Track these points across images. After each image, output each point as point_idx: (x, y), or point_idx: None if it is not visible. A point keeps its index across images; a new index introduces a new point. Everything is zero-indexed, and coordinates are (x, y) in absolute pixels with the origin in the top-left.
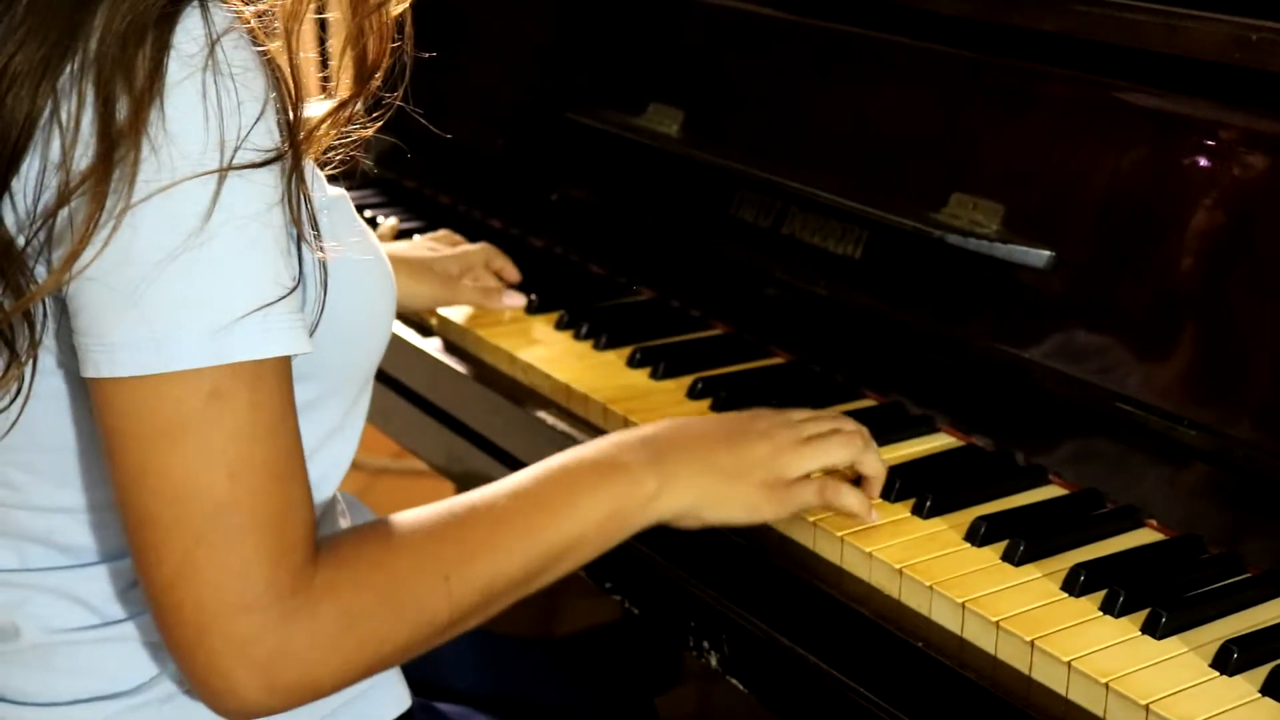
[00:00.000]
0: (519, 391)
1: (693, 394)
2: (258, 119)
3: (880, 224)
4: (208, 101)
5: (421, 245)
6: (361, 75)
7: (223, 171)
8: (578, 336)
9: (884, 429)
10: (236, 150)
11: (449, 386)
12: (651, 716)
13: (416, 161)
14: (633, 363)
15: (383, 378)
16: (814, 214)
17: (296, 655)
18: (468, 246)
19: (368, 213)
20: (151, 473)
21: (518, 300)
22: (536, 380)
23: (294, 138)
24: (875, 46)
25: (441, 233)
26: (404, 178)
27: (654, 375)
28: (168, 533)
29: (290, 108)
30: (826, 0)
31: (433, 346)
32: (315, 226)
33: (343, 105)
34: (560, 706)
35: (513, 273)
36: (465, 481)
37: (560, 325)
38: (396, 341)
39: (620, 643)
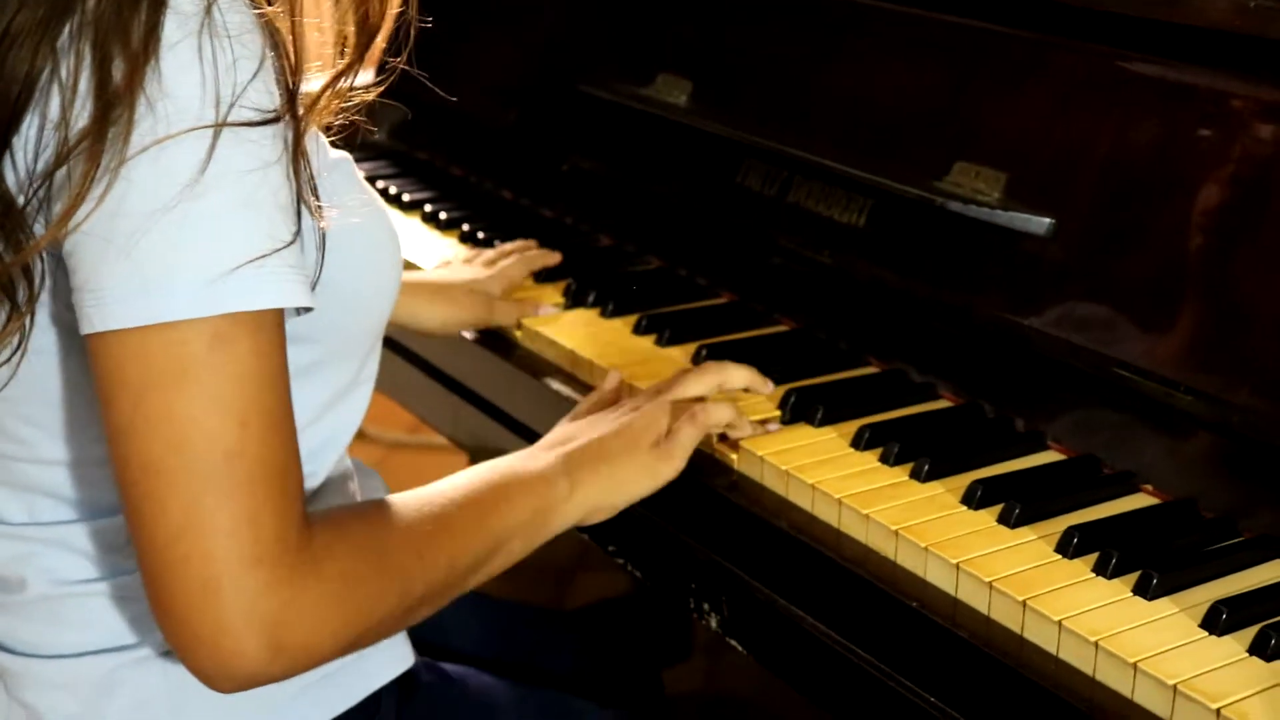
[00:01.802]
0: (527, 359)
1: (697, 361)
2: (254, 77)
3: (884, 192)
4: (203, 59)
5: (460, 267)
6: (363, 41)
7: (218, 127)
8: (585, 305)
9: (886, 396)
10: (232, 107)
11: (458, 354)
12: (657, 688)
13: (428, 133)
14: (638, 330)
15: (394, 346)
16: (819, 183)
17: (304, 614)
18: (506, 261)
19: (380, 183)
20: (152, 420)
21: (548, 310)
22: (543, 348)
23: (293, 101)
24: (880, 16)
25: (496, 251)
26: (416, 150)
27: (659, 342)
28: (172, 481)
29: (290, 71)
30: None
31: None
32: (314, 190)
33: (344, 72)
34: (566, 673)
35: (552, 261)
36: (475, 448)
37: (568, 294)
38: None
39: (630, 615)
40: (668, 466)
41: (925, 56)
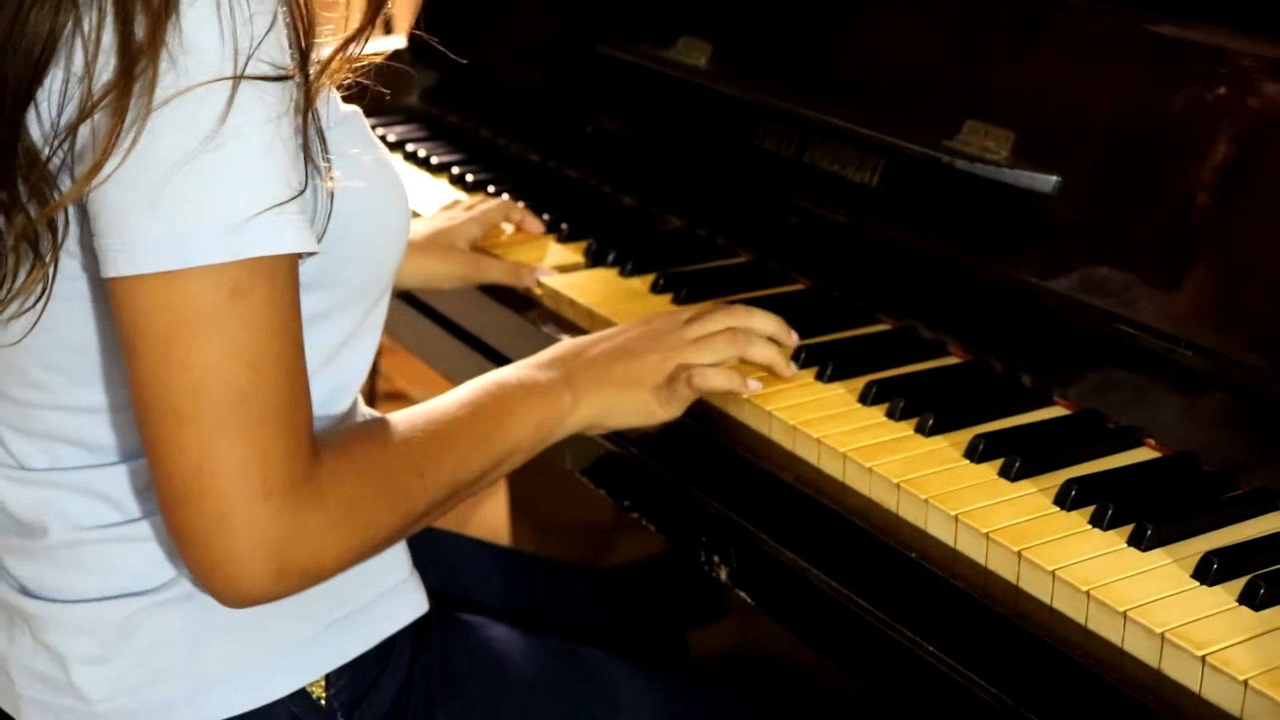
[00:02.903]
0: (547, 317)
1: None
2: (268, 31)
3: (895, 151)
4: (221, 14)
5: (440, 217)
6: (373, 4)
7: (237, 79)
8: (605, 264)
9: (897, 352)
10: (249, 60)
11: (480, 312)
12: (680, 648)
13: (459, 97)
14: (656, 289)
15: (416, 303)
16: (834, 143)
17: (308, 539)
18: (486, 205)
19: (410, 146)
20: (173, 364)
21: (545, 273)
22: (562, 305)
23: (304, 59)
24: None
25: (476, 197)
26: (447, 113)
27: (676, 300)
28: (190, 423)
29: (302, 32)
30: None
31: None
32: (324, 144)
33: (354, 37)
34: (586, 628)
35: (534, 225)
36: None
37: (589, 253)
38: None
39: (660, 575)
40: (664, 412)
41: (937, 15)
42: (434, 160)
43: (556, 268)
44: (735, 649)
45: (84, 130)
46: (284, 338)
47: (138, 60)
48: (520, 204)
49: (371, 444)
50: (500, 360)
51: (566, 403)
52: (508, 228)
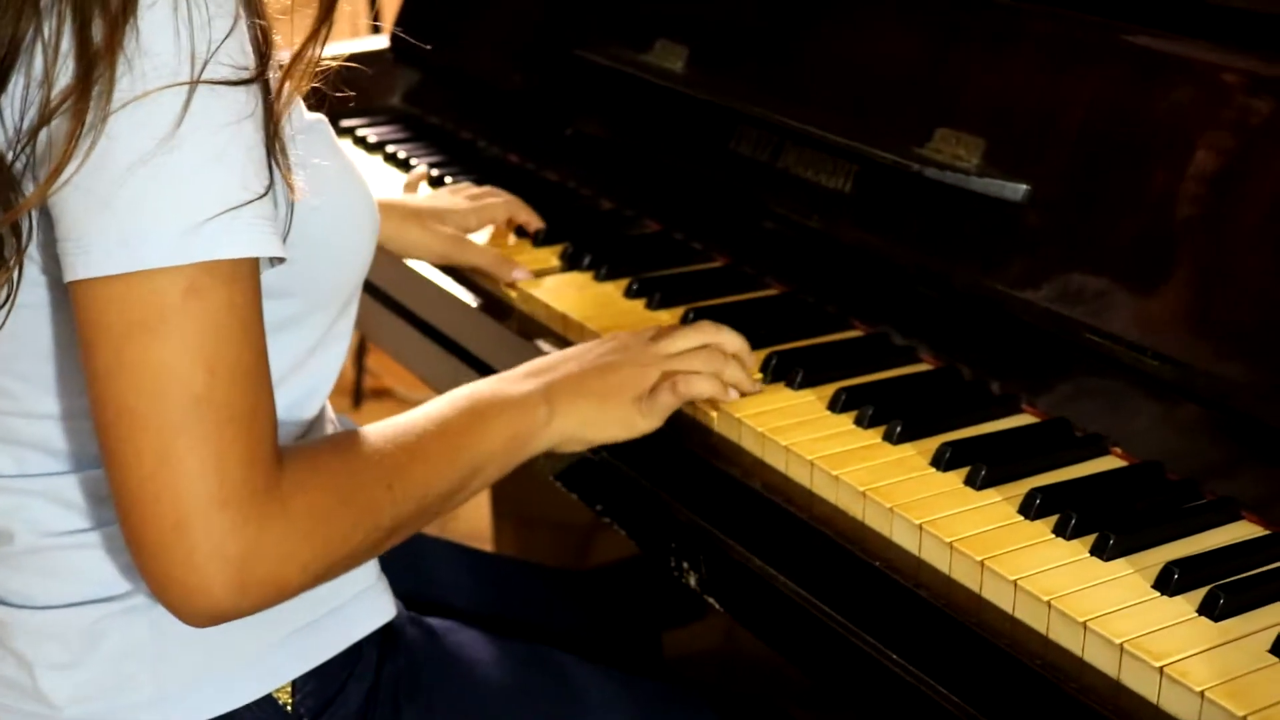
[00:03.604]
0: (521, 322)
1: (686, 324)
2: (229, 34)
3: (867, 158)
4: (179, 17)
5: (443, 195)
6: (326, 5)
7: (193, 84)
8: (580, 268)
9: (868, 359)
10: (207, 63)
11: (456, 315)
12: (656, 650)
13: (439, 98)
14: (630, 293)
15: (392, 305)
16: (808, 149)
17: (269, 551)
18: (491, 200)
19: (390, 148)
20: (128, 365)
21: (522, 274)
22: (537, 309)
23: (264, 63)
24: None
25: (484, 189)
26: (428, 114)
27: (649, 305)
28: (145, 425)
29: (262, 33)
30: None
31: (440, 276)
32: (284, 151)
33: (310, 40)
34: (562, 631)
35: (535, 222)
36: None
37: (564, 257)
38: (407, 271)
39: (639, 576)
40: (644, 423)
41: (911, 22)
42: (414, 162)
43: (533, 271)
44: (715, 649)
45: (44, 135)
46: (243, 342)
47: (95, 64)
48: (526, 205)
49: (338, 455)
50: (476, 363)
51: (541, 415)
52: (518, 275)
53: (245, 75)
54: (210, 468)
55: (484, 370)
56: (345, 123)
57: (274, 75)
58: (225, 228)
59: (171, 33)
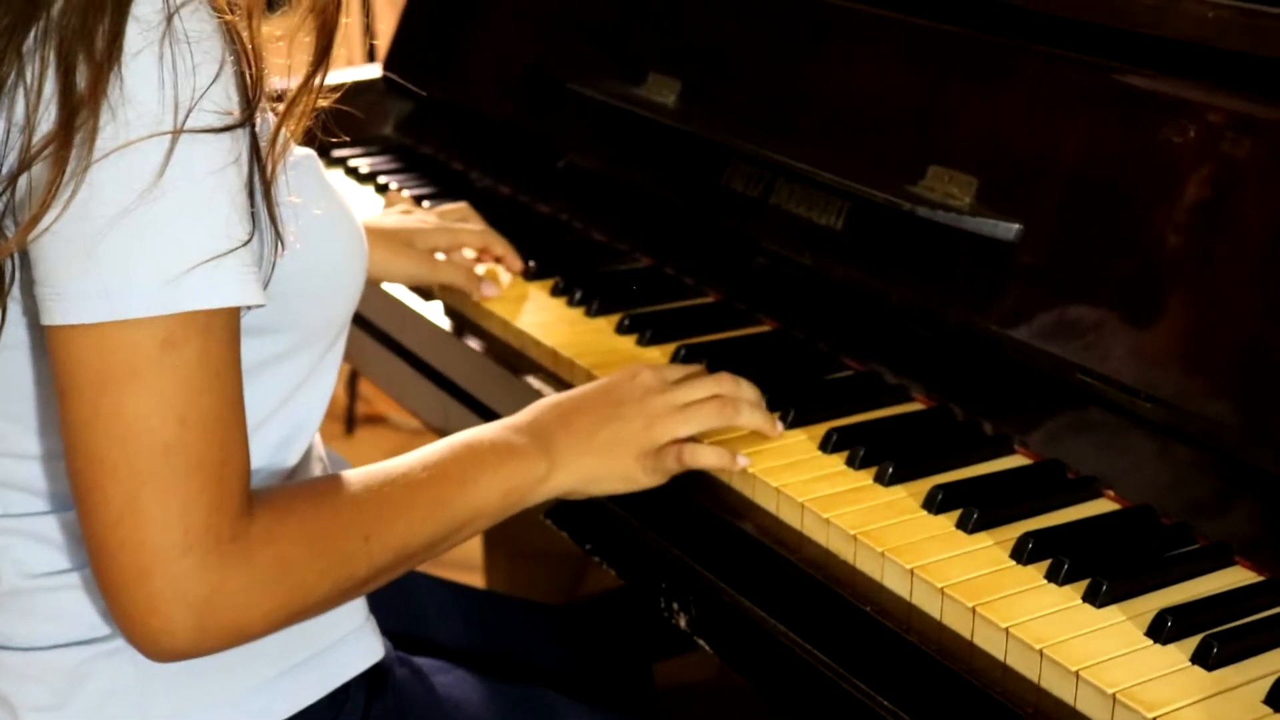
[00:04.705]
0: (511, 356)
1: (676, 361)
2: (214, 80)
3: (859, 196)
4: (164, 65)
5: (412, 215)
6: (324, 45)
7: (176, 133)
8: (571, 303)
9: (859, 398)
10: (191, 110)
11: (446, 349)
12: (648, 681)
13: (432, 129)
14: (621, 329)
15: (383, 339)
16: (800, 185)
17: (231, 598)
18: (465, 226)
19: (382, 178)
20: (102, 414)
21: (494, 291)
22: (527, 345)
23: (251, 106)
24: (862, 20)
25: (459, 205)
26: (421, 144)
27: (640, 342)
28: (115, 472)
29: (250, 78)
30: None
31: (431, 310)
32: (269, 196)
33: (308, 81)
34: (552, 667)
35: (514, 262)
36: None
37: (555, 291)
38: (397, 304)
39: (622, 608)
40: (647, 480)
41: (905, 60)
42: (405, 193)
43: (522, 307)
44: (708, 681)
45: (24, 180)
46: (216, 392)
47: (78, 112)
48: (502, 240)
49: (316, 504)
50: (466, 398)
51: (540, 469)
52: (489, 291)
53: (230, 121)
54: (175, 516)
55: (472, 404)
56: (337, 153)
57: (262, 117)
58: (206, 278)
59: (156, 81)
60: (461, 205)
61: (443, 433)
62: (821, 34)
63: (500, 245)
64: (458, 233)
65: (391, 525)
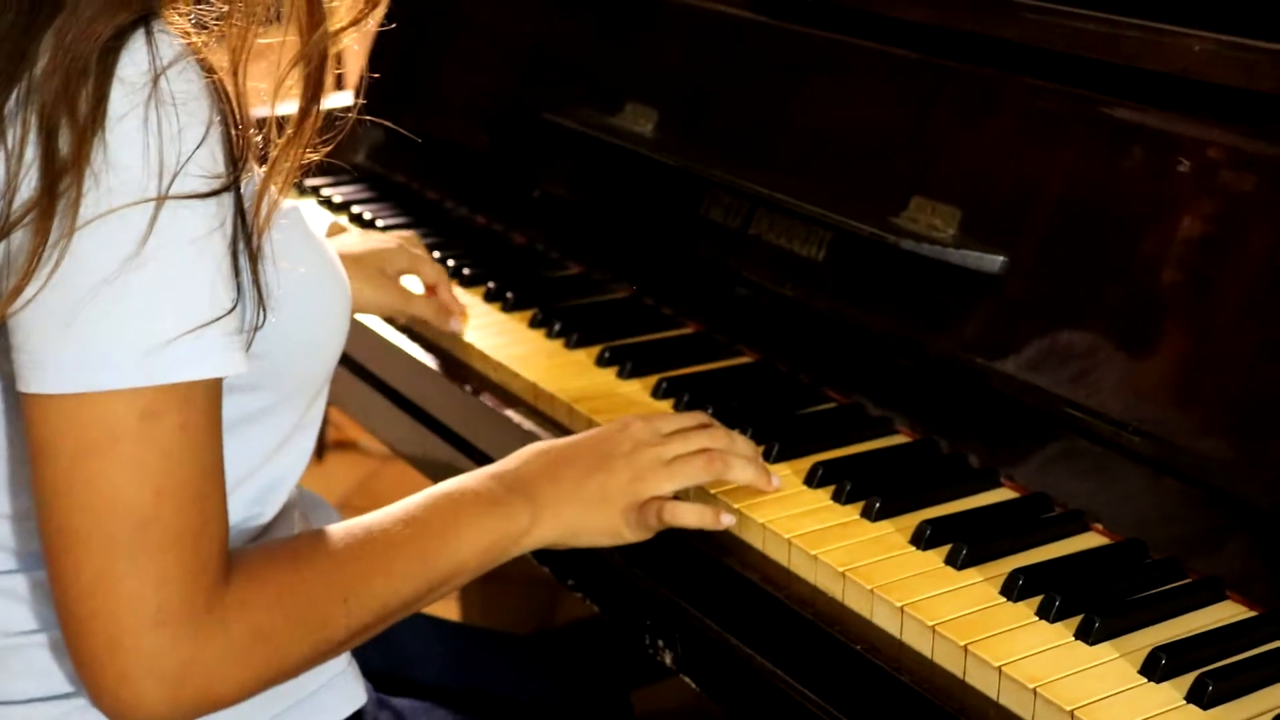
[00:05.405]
0: (490, 389)
1: (657, 394)
2: (200, 144)
3: (841, 227)
4: (149, 130)
5: (375, 236)
6: (312, 96)
7: (159, 200)
8: (549, 335)
9: (844, 431)
10: (175, 176)
11: (423, 382)
12: (626, 710)
13: (406, 158)
14: (601, 362)
15: (360, 371)
16: (780, 215)
17: (204, 669)
18: (423, 254)
19: (355, 209)
20: (77, 484)
21: (458, 325)
22: (506, 378)
23: (238, 168)
24: (843, 51)
25: (408, 234)
26: (393, 173)
27: (621, 374)
28: (88, 544)
29: (236, 136)
30: (796, 4)
31: (408, 342)
32: (252, 257)
33: (296, 131)
34: (531, 699)
35: (455, 308)
36: (437, 475)
37: (533, 323)
38: (374, 336)
39: (600, 636)
40: (631, 535)
41: (887, 91)
42: (379, 223)
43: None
44: (686, 706)
45: (3, 247)
46: (194, 464)
47: (61, 177)
48: (453, 283)
49: (294, 568)
50: (444, 431)
51: (524, 522)
52: (455, 326)
53: (216, 185)
54: (149, 590)
55: (452, 439)
56: (310, 182)
57: (248, 177)
58: (188, 349)
59: (141, 146)
60: (410, 235)
61: (420, 462)
62: (802, 63)
63: (446, 290)
64: (416, 257)
65: (371, 585)
